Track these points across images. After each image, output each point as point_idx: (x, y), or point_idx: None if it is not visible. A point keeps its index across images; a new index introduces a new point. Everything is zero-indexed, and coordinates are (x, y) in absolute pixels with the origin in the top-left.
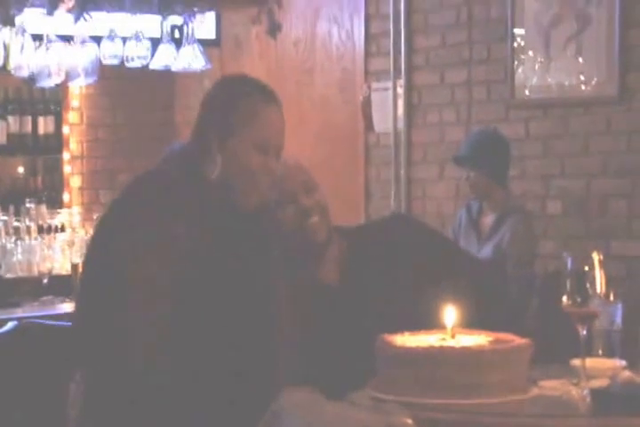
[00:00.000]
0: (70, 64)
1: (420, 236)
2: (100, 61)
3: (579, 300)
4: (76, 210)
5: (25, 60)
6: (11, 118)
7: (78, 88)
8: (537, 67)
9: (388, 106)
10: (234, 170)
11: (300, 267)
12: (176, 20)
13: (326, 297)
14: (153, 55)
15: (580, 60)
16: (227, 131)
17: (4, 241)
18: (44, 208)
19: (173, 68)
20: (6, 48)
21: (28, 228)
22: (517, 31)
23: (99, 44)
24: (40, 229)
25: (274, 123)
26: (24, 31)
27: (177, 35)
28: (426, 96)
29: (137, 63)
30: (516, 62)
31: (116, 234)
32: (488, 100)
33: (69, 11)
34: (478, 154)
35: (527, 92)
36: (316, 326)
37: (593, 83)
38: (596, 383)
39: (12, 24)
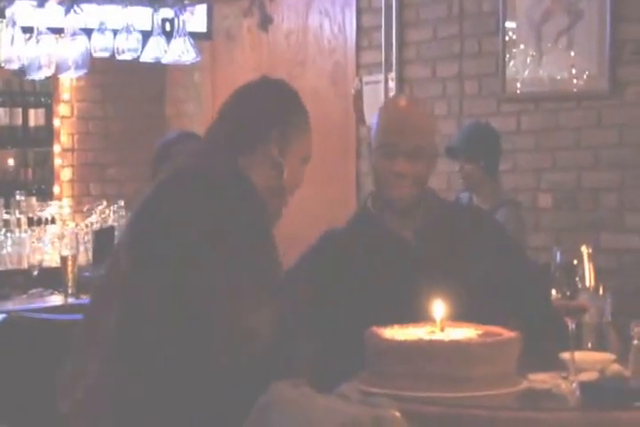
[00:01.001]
0: (61, 56)
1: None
2: (91, 54)
3: (568, 293)
4: (67, 202)
5: (15, 53)
6: (1, 111)
7: (69, 81)
8: (528, 60)
9: (380, 99)
10: (287, 181)
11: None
12: (167, 12)
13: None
14: (143, 48)
15: (572, 53)
16: (285, 142)
17: None
18: (34, 200)
19: (164, 61)
20: None
21: (18, 220)
22: (509, 25)
23: (89, 37)
24: (30, 222)
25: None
26: (14, 23)
27: (168, 27)
28: (417, 89)
29: (127, 56)
30: (507, 56)
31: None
32: (479, 93)
33: (60, 3)
34: (472, 146)
35: (518, 86)
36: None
37: (584, 77)
38: (586, 377)
39: (3, 16)
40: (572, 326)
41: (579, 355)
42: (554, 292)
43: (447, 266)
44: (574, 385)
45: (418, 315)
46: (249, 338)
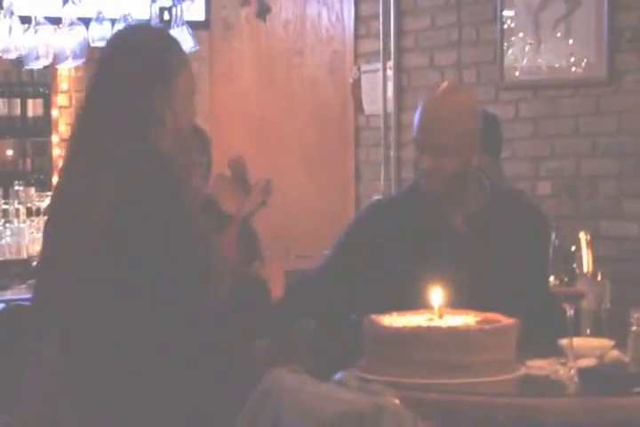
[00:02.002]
0: (59, 46)
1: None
2: (89, 43)
3: (566, 279)
4: None
5: (13, 43)
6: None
7: (67, 71)
8: (527, 48)
9: (378, 88)
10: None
11: None
12: (165, 1)
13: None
14: None
15: (570, 41)
16: (171, 92)
17: None
18: (32, 191)
19: None
20: None
21: (17, 210)
22: (507, 13)
23: (87, 27)
24: (29, 212)
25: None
26: (12, 13)
27: (166, 17)
28: (415, 78)
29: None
30: (505, 44)
31: None
32: (477, 81)
33: None
34: None
35: (517, 74)
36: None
37: (582, 64)
38: (584, 363)
39: (0, 6)
40: (570, 312)
41: (577, 341)
42: (552, 278)
43: (488, 253)
44: (573, 371)
45: (454, 295)
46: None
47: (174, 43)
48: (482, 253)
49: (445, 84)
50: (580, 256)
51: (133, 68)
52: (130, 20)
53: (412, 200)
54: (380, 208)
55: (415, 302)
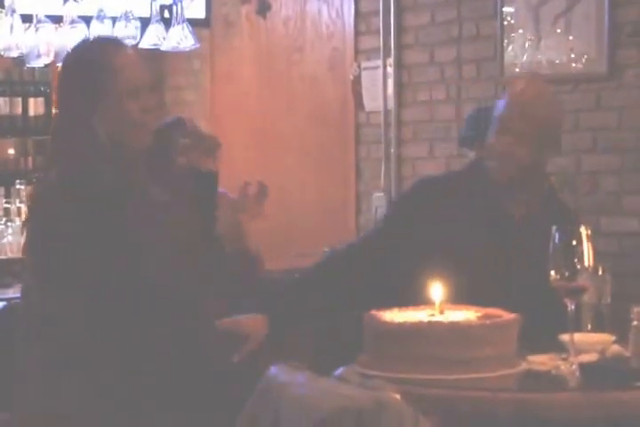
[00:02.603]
0: (60, 44)
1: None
2: None
3: (567, 274)
4: None
5: (14, 41)
6: (1, 100)
7: None
8: (527, 44)
9: (378, 84)
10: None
11: None
12: None
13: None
14: (142, 35)
15: (570, 37)
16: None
17: None
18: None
19: (163, 48)
20: None
21: (19, 209)
22: (507, 9)
23: (88, 25)
24: None
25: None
26: (13, 12)
27: (166, 14)
28: (415, 74)
29: (126, 43)
30: (505, 40)
31: None
32: (478, 78)
33: None
34: (482, 132)
35: (517, 70)
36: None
37: (583, 60)
38: (585, 358)
39: (2, 5)
40: (571, 306)
41: (578, 336)
42: (553, 273)
43: (538, 248)
44: (574, 366)
45: (501, 285)
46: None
47: (112, 51)
48: (534, 247)
49: (536, 75)
50: (581, 251)
51: (73, 84)
52: (131, 17)
53: (473, 180)
54: (434, 185)
55: (464, 282)
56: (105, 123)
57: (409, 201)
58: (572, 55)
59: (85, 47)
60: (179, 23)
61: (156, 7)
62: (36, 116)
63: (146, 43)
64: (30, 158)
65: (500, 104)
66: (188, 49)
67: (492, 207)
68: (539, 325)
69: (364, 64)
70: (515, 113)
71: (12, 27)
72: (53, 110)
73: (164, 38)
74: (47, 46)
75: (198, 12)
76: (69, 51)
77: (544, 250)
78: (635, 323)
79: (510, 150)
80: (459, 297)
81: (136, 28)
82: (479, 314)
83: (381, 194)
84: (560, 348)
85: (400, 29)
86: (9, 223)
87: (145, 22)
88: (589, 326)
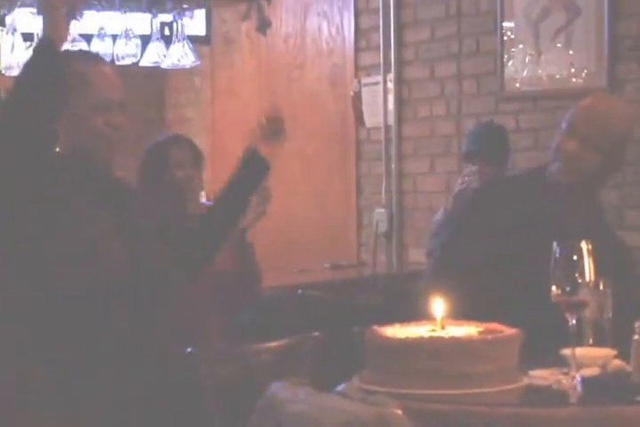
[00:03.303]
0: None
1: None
2: None
3: (568, 288)
4: None
5: (15, 60)
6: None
7: None
8: (527, 59)
9: (379, 100)
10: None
11: None
12: (166, 17)
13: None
14: (143, 53)
15: (570, 51)
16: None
17: None
18: None
19: (163, 66)
20: None
21: None
22: (506, 24)
23: (89, 43)
24: None
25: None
26: (14, 30)
27: (167, 32)
28: (416, 90)
29: (127, 61)
30: (505, 55)
31: None
32: (478, 93)
33: None
34: (484, 147)
35: (517, 85)
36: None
37: (583, 74)
38: (587, 372)
39: (3, 24)
40: (572, 321)
41: (579, 351)
42: (554, 287)
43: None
44: (575, 381)
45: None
46: None
47: (74, 61)
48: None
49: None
50: (582, 265)
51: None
52: (131, 35)
53: (535, 184)
54: (500, 189)
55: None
56: (67, 129)
57: (479, 203)
58: (573, 70)
59: (64, 57)
60: (179, 41)
61: (157, 25)
62: None
63: (146, 60)
64: None
65: (573, 109)
66: (188, 66)
67: (547, 219)
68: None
69: (364, 80)
70: (582, 117)
71: (13, 45)
72: None
73: (165, 56)
74: None
75: (199, 29)
76: None
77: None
78: (636, 337)
79: (577, 152)
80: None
81: (137, 45)
82: (480, 329)
83: (382, 209)
84: (561, 362)
85: (400, 45)
86: None
87: (145, 40)
88: (591, 341)
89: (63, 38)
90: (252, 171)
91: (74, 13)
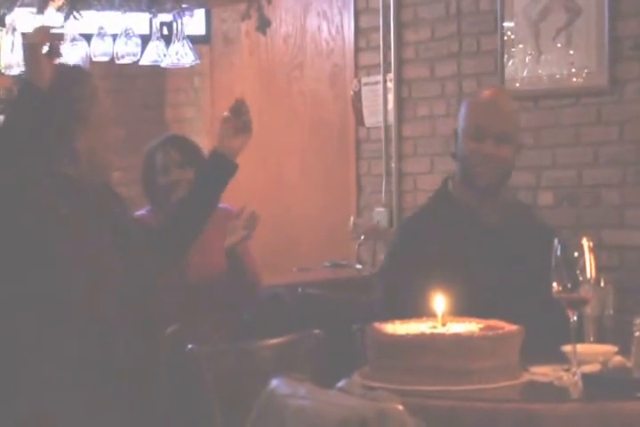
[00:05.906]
0: (61, 62)
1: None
2: (90, 59)
3: (569, 285)
4: None
5: (15, 59)
6: (1, 117)
7: None
8: (527, 59)
9: (379, 100)
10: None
11: None
12: (165, 16)
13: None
14: (143, 52)
15: (571, 51)
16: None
17: None
18: None
19: (163, 65)
20: None
21: None
22: (507, 24)
23: (89, 42)
24: None
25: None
26: (14, 30)
27: (166, 32)
28: (416, 90)
29: (127, 60)
30: (506, 55)
31: None
32: (478, 92)
33: (59, 9)
34: None
35: (517, 85)
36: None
37: (583, 74)
38: (588, 369)
39: (3, 23)
40: (573, 317)
41: (580, 347)
42: (555, 284)
43: (521, 252)
44: (576, 377)
45: (486, 297)
46: None
47: (85, 78)
48: (514, 252)
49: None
50: (583, 262)
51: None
52: (131, 34)
53: (443, 204)
54: (416, 225)
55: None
56: (87, 146)
57: (403, 246)
58: (573, 69)
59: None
60: (179, 40)
61: (157, 24)
62: None
63: (146, 60)
64: None
65: (467, 113)
66: (188, 65)
67: (467, 221)
68: (539, 334)
69: (364, 80)
70: (488, 118)
71: (13, 45)
72: None
73: (165, 55)
74: None
75: (198, 28)
76: None
77: (529, 260)
78: (637, 334)
79: (495, 153)
80: (462, 312)
81: (136, 45)
82: (481, 326)
83: (382, 209)
84: (562, 359)
85: (400, 45)
86: None
87: (145, 39)
88: (592, 338)
89: (46, 80)
90: (219, 171)
91: (54, 52)
